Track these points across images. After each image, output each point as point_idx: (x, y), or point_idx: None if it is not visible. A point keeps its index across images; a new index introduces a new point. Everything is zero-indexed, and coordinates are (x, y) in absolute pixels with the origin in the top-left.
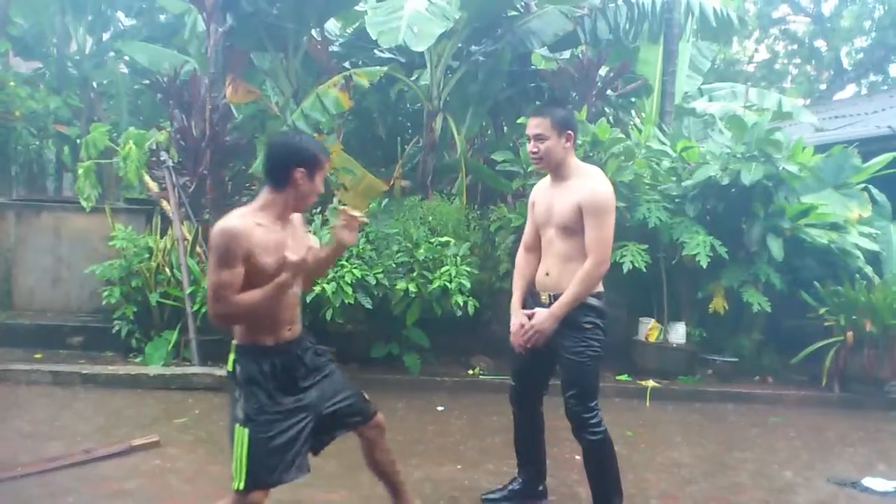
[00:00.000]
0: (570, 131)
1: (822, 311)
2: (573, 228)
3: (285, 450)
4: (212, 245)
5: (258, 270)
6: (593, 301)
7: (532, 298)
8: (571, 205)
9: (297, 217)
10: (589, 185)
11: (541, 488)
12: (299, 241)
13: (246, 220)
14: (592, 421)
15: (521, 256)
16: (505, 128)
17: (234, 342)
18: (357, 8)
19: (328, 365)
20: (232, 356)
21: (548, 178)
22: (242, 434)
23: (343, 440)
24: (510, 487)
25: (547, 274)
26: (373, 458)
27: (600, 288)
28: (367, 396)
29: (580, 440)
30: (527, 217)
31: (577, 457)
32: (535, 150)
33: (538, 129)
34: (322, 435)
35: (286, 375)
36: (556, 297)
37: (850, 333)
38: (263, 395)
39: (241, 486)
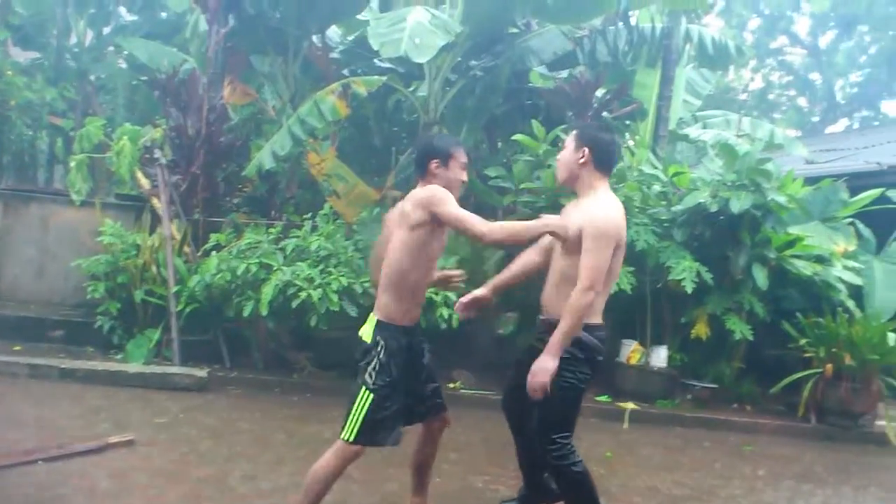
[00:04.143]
0: (585, 148)
1: (802, 342)
2: (574, 249)
3: (391, 419)
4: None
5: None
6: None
7: (539, 321)
8: (577, 222)
9: None
10: (597, 207)
11: (554, 486)
12: None
13: None
14: (556, 454)
15: (526, 251)
16: (499, 143)
17: (376, 317)
18: (359, 17)
19: (428, 351)
20: (371, 328)
21: None
22: (366, 397)
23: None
24: (522, 493)
25: (546, 295)
26: (423, 450)
27: (594, 320)
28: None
29: (546, 462)
30: None
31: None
32: (557, 158)
33: (566, 139)
34: (417, 414)
35: (410, 356)
36: (546, 322)
37: (829, 366)
38: (394, 370)
39: (351, 438)
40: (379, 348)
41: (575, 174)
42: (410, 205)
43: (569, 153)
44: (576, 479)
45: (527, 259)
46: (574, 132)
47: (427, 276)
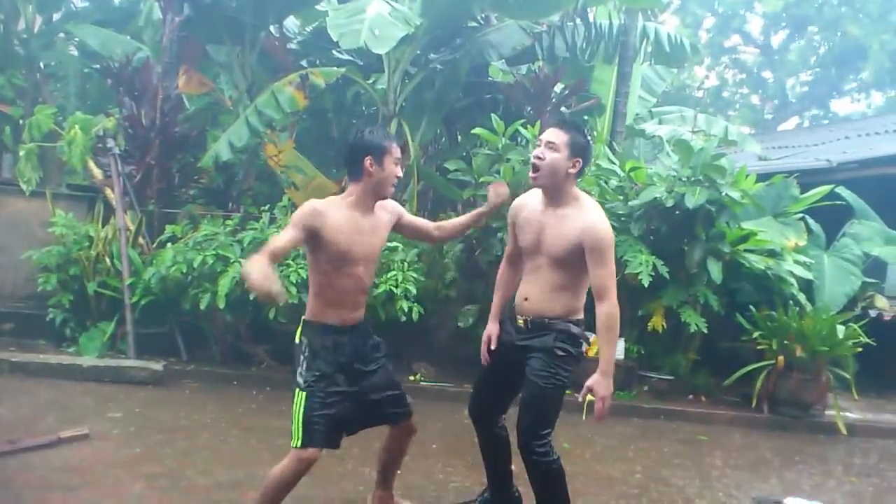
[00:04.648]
0: (579, 159)
1: (755, 334)
2: (568, 261)
3: (331, 418)
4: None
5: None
6: (573, 328)
7: (510, 321)
8: (569, 237)
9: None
10: (592, 218)
11: (517, 494)
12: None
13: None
14: (539, 450)
15: (503, 269)
16: (459, 137)
17: (303, 318)
18: (318, 7)
19: (383, 358)
20: (299, 329)
21: (535, 195)
22: (300, 397)
23: None
24: (485, 497)
25: (526, 299)
26: (390, 450)
27: (580, 315)
28: (408, 398)
29: (523, 459)
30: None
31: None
32: (540, 156)
33: (554, 138)
34: (362, 421)
35: (345, 355)
36: (533, 323)
37: (780, 358)
38: (323, 367)
39: (298, 443)
40: (303, 347)
41: (560, 183)
42: None
43: (562, 160)
44: (555, 474)
45: (508, 277)
46: (565, 136)
47: (338, 278)
